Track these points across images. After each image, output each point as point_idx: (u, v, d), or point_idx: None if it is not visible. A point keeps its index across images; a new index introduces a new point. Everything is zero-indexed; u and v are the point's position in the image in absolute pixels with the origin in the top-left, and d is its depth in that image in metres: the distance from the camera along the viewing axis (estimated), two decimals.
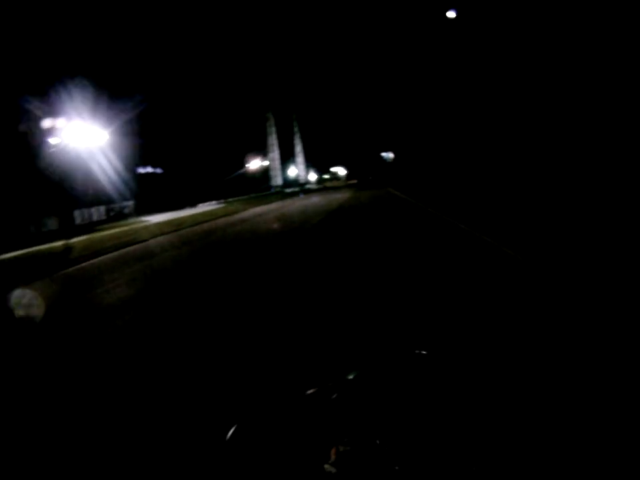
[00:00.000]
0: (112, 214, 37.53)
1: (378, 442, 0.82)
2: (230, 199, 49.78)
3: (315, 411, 0.96)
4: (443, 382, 1.00)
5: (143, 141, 45.36)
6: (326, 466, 0.80)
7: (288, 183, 63.54)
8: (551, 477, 1.88)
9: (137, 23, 46.60)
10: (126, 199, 39.80)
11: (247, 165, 70.35)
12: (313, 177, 70.05)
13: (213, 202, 44.04)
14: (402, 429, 0.85)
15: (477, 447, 0.85)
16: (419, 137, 48.36)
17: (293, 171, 68.36)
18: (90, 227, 30.57)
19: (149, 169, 48.41)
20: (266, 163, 64.22)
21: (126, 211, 39.79)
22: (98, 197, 36.45)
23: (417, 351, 1.10)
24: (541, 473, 1.87)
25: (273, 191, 57.59)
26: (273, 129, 57.58)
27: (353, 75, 64.19)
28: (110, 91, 39.50)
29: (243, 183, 66.74)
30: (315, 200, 29.62)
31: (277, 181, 58.38)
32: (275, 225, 16.36)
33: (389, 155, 71.08)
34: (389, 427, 0.86)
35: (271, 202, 34.54)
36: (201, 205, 43.82)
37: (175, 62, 51.29)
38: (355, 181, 64.98)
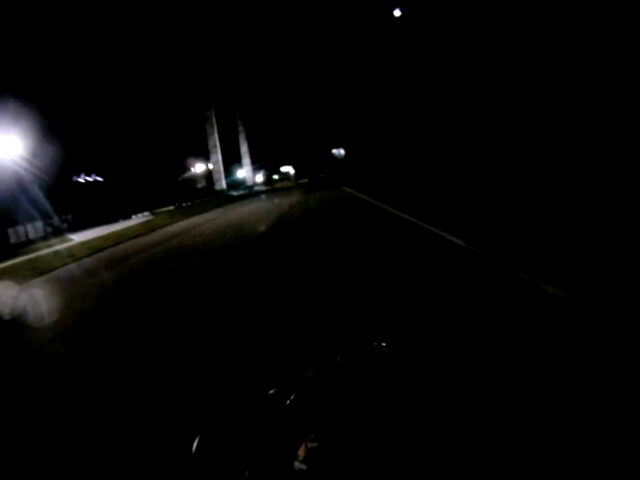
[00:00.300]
0: (49, 230, 33.66)
1: (344, 435, 0.80)
2: (165, 208, 43.58)
3: (278, 410, 0.91)
4: (402, 374, 0.95)
5: (79, 147, 39.42)
6: (296, 463, 0.79)
7: (234, 185, 57.30)
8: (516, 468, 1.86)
9: (62, 11, 39.21)
10: (66, 212, 36.40)
11: (192, 169, 63.92)
12: (259, 178, 64.00)
13: (146, 213, 37.78)
14: (366, 422, 0.82)
15: (439, 437, 0.83)
16: (370, 131, 44.56)
17: (241, 173, 62.28)
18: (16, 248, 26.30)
19: (89, 178, 42.25)
20: (211, 166, 57.81)
21: (65, 225, 35.70)
22: (34, 212, 32.39)
23: (375, 344, 1.05)
24: (505, 463, 1.86)
25: (224, 194, 51.19)
26: (215, 129, 51.15)
27: (297, 69, 58.60)
28: (28, 94, 33.10)
29: (188, 188, 60.55)
30: (255, 208, 24.00)
31: (221, 184, 52.09)
32: (186, 252, 11.01)
33: (340, 152, 66.93)
34: (353, 420, 0.82)
35: (207, 211, 28.76)
36: (134, 216, 37.91)
37: (107, 58, 43.96)
38: (306, 180, 60.11)
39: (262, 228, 13.86)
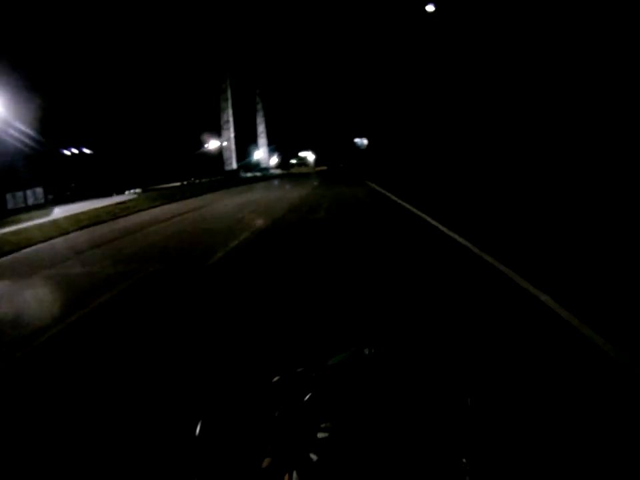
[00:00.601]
0: (50, 197, 32.05)
1: (362, 430, 0.75)
2: (168, 185, 38.26)
3: (286, 396, 0.86)
4: (432, 374, 0.88)
5: (77, 118, 35.42)
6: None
7: (247, 167, 51.25)
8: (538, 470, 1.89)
9: None
10: (68, 182, 34.89)
11: (205, 146, 58.04)
12: (274, 160, 57.64)
13: (138, 190, 32.95)
14: (388, 419, 0.76)
15: (464, 438, 0.77)
16: (399, 123, 38.93)
17: (257, 154, 56.28)
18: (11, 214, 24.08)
19: (76, 150, 38.91)
20: (225, 143, 51.71)
21: (68, 193, 34.10)
22: (34, 179, 31.19)
23: (404, 340, 1.09)
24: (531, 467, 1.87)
25: (235, 175, 45.08)
26: (229, 103, 44.84)
27: (324, 50, 51.86)
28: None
29: (198, 165, 54.58)
30: (257, 198, 18.29)
31: (232, 164, 46.07)
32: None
33: (363, 141, 61.01)
34: (375, 415, 0.77)
35: (203, 194, 23.54)
36: (127, 192, 33.34)
37: (107, 16, 37.86)
38: (325, 168, 54.15)
39: (244, 236, 8.09)
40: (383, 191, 15.33)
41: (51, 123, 31.24)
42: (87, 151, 37.45)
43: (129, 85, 39.54)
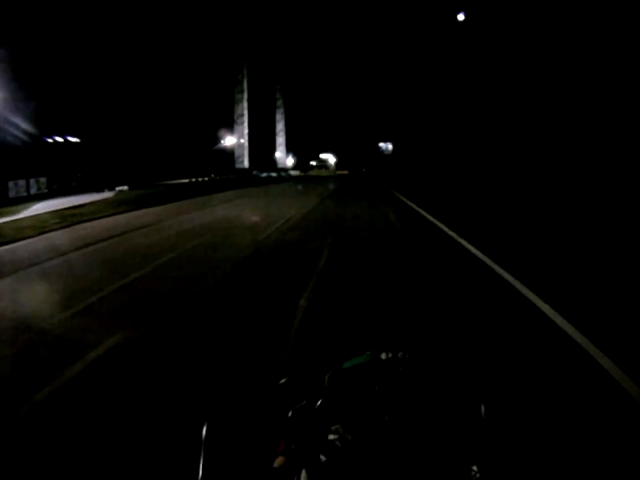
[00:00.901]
0: (55, 186, 29.59)
1: (377, 434, 0.72)
2: (176, 181, 34.07)
3: (296, 398, 0.84)
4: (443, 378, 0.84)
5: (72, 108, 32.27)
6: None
7: (263, 166, 46.21)
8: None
9: None
10: (75, 171, 32.25)
11: (222, 142, 53.38)
12: (290, 161, 52.26)
13: (125, 187, 28.79)
14: (394, 420, 0.74)
15: (475, 445, 0.75)
16: (427, 127, 33.89)
17: (276, 154, 51.37)
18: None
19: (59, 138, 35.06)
20: (241, 140, 46.88)
21: (74, 184, 31.28)
22: (33, 167, 29.21)
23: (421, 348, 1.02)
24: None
25: (246, 175, 40.24)
26: (244, 96, 39.90)
27: (350, 48, 46.62)
28: None
29: (215, 161, 49.69)
30: (231, 214, 13.52)
31: (243, 162, 41.14)
32: None
33: (388, 146, 55.83)
34: (393, 420, 0.74)
35: (191, 197, 19.49)
36: (117, 188, 29.18)
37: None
38: (346, 172, 49.03)
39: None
40: (422, 212, 10.06)
41: (40, 109, 27.38)
42: (72, 139, 33.12)
43: (135, 69, 35.05)
